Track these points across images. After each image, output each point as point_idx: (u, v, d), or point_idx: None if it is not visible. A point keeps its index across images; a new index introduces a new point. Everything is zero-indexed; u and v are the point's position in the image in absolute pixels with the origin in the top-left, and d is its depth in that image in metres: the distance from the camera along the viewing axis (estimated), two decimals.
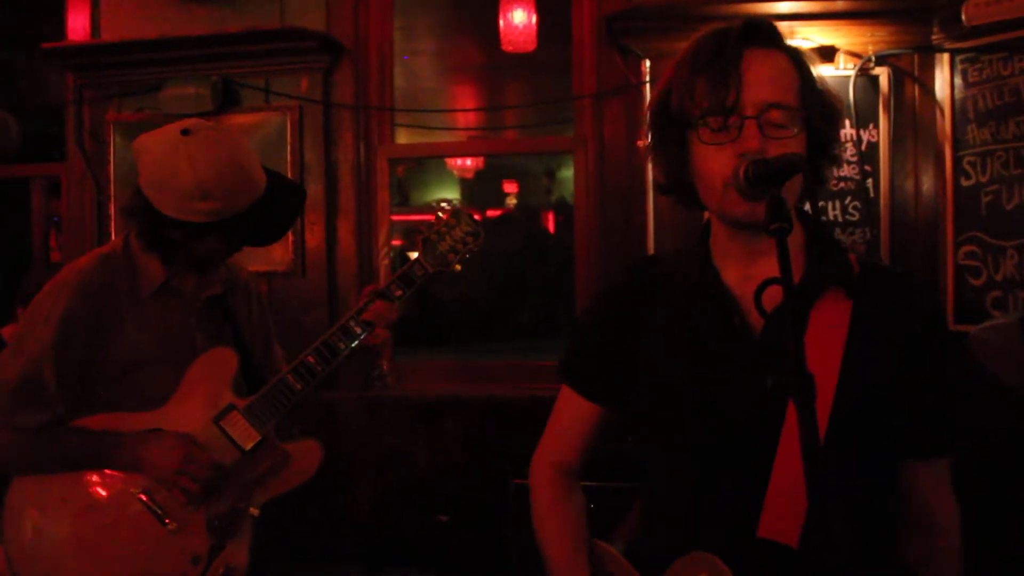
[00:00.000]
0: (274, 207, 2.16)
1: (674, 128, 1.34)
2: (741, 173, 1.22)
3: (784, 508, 1.25)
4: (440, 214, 2.35)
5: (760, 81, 1.27)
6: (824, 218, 3.43)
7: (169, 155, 2.01)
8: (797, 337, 1.07)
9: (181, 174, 1.99)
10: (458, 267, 2.33)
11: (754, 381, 1.29)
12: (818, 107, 1.32)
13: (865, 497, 1.31)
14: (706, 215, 1.46)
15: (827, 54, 3.47)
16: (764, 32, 1.31)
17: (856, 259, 1.40)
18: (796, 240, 1.36)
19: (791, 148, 1.27)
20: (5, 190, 5.50)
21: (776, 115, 1.26)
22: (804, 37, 3.43)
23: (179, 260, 2.15)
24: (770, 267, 1.33)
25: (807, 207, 1.46)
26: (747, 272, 1.37)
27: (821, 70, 3.14)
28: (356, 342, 2.23)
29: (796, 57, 1.33)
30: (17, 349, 2.04)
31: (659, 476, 1.49)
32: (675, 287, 1.46)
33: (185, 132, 2.03)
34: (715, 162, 1.29)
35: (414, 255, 2.34)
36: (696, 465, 1.39)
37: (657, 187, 1.48)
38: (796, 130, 1.29)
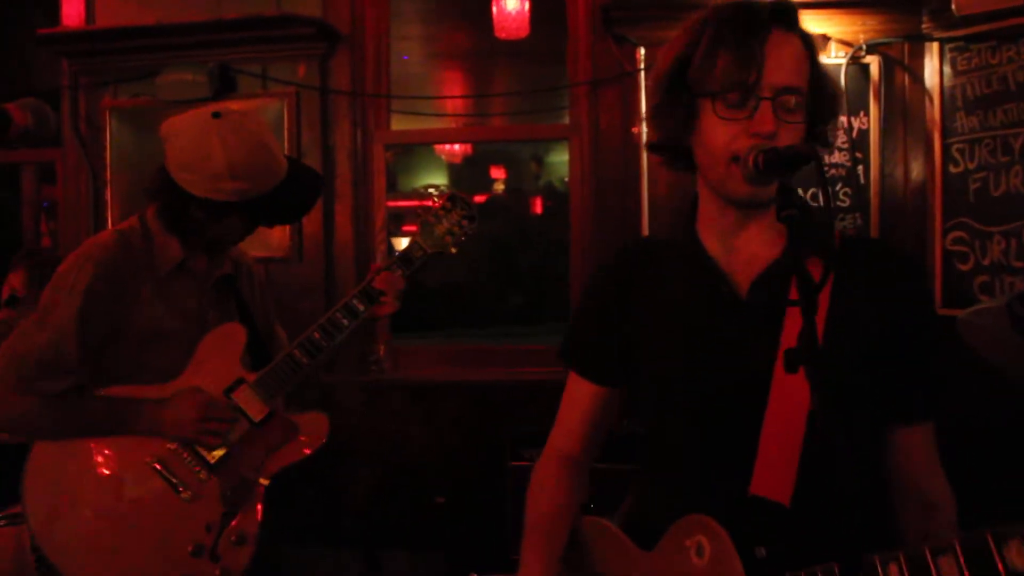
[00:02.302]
0: (294, 191, 2.24)
1: (686, 93, 1.35)
2: (751, 160, 1.25)
3: (775, 466, 1.30)
4: (436, 197, 2.43)
5: (780, 64, 1.29)
6: (815, 204, 3.50)
7: (202, 137, 2.08)
8: (808, 317, 1.11)
9: (214, 154, 2.06)
10: (454, 250, 2.40)
11: (741, 345, 1.36)
12: (822, 94, 1.36)
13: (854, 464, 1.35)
14: (698, 187, 1.48)
15: (819, 43, 3.52)
16: (789, 14, 1.33)
17: (840, 233, 1.43)
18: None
19: (800, 134, 1.31)
20: None
21: (789, 99, 1.29)
22: None
23: (198, 239, 2.21)
24: (753, 239, 1.40)
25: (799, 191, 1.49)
26: (732, 243, 1.41)
27: None
28: (359, 319, 2.29)
29: (809, 43, 1.36)
30: (42, 320, 2.10)
31: (653, 445, 1.52)
32: (663, 261, 1.50)
33: (216, 115, 2.11)
34: (725, 136, 1.31)
35: (399, 240, 2.41)
36: (688, 430, 1.42)
37: (648, 145, 1.49)
38: (802, 116, 1.32)
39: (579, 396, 1.60)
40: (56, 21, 4.12)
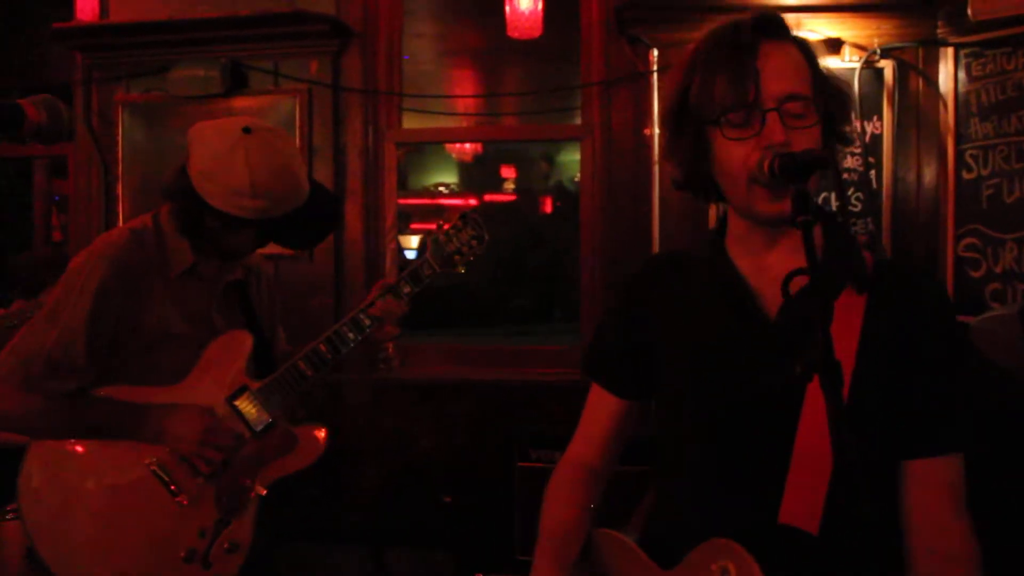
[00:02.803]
0: (312, 217, 2.23)
1: (692, 125, 1.35)
2: (766, 166, 1.24)
3: (805, 494, 1.28)
4: (448, 218, 2.45)
5: (776, 73, 1.28)
6: (827, 208, 3.48)
7: (228, 150, 2.07)
8: (824, 325, 1.10)
9: (236, 170, 2.05)
10: (462, 269, 2.42)
11: (771, 366, 1.33)
12: (830, 96, 1.35)
13: (875, 496, 1.32)
14: (718, 209, 1.48)
15: (833, 46, 3.50)
16: (775, 24, 1.33)
17: (871, 257, 1.42)
18: (816, 236, 1.39)
19: (813, 138, 1.30)
20: (7, 169, 5.51)
21: (794, 106, 1.28)
22: (811, 29, 3.46)
23: (209, 248, 2.20)
24: (784, 257, 1.37)
25: (822, 199, 1.47)
26: (762, 262, 1.40)
27: (827, 62, 3.16)
28: (365, 334, 2.29)
29: (805, 48, 1.35)
30: (52, 318, 2.08)
31: (676, 463, 1.50)
32: (690, 277, 1.49)
33: (247, 130, 2.09)
34: (739, 156, 1.30)
35: (408, 239, 2.41)
36: (714, 450, 1.40)
37: (673, 183, 1.48)
38: (813, 120, 1.31)
39: (601, 407, 1.61)
40: (70, 15, 4.13)
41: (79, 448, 2.13)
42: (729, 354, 1.39)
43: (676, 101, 1.38)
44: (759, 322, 1.38)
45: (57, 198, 5.37)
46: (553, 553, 1.50)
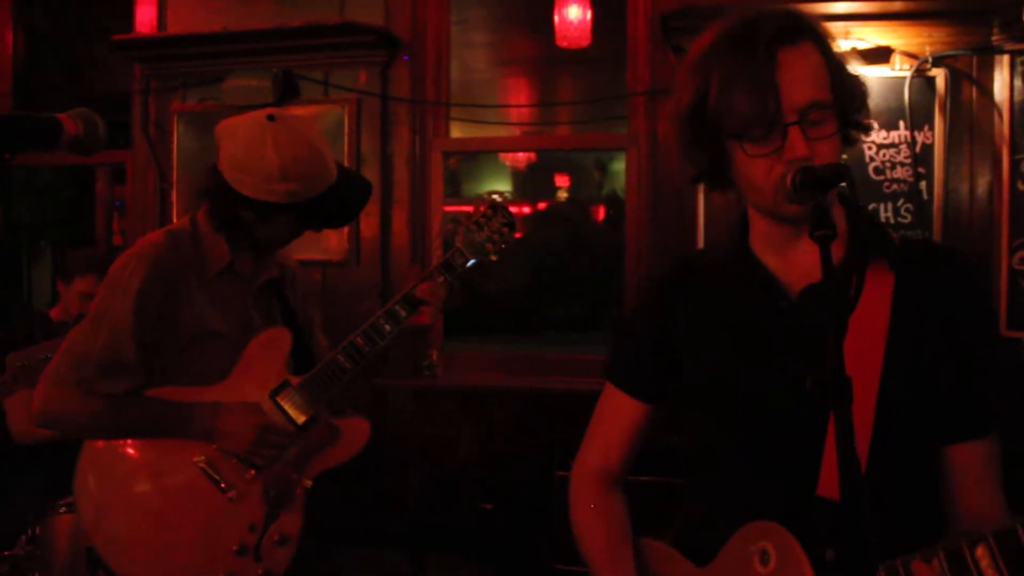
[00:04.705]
0: (342, 196, 2.27)
1: (711, 135, 1.32)
2: (788, 181, 1.24)
3: None
4: (479, 206, 2.44)
5: (797, 83, 1.25)
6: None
7: (256, 138, 2.12)
8: (837, 341, 1.09)
9: (266, 156, 2.10)
10: (494, 257, 2.41)
11: (802, 355, 1.31)
12: (846, 92, 1.32)
13: (914, 485, 1.32)
14: (746, 203, 1.45)
15: (883, 55, 3.44)
16: (792, 27, 1.27)
17: (899, 237, 1.41)
18: (839, 222, 1.35)
19: (834, 145, 1.29)
20: (72, 175, 5.69)
21: (816, 114, 1.26)
22: (859, 37, 3.41)
23: (245, 240, 2.25)
24: (810, 249, 1.32)
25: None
26: (787, 257, 1.40)
27: (876, 71, 3.05)
28: (401, 324, 2.31)
29: (821, 42, 1.30)
30: (98, 320, 2.14)
31: (709, 460, 1.49)
32: (716, 277, 1.48)
33: (271, 118, 2.15)
34: (761, 171, 1.29)
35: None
36: (750, 439, 1.40)
37: (691, 178, 1.46)
38: (834, 127, 1.29)
39: (623, 413, 1.59)
40: (130, 28, 4.27)
41: (130, 447, 2.20)
42: (763, 347, 1.38)
43: (692, 107, 1.33)
44: (791, 315, 1.37)
45: (118, 203, 5.51)
46: (622, 554, 1.48)
